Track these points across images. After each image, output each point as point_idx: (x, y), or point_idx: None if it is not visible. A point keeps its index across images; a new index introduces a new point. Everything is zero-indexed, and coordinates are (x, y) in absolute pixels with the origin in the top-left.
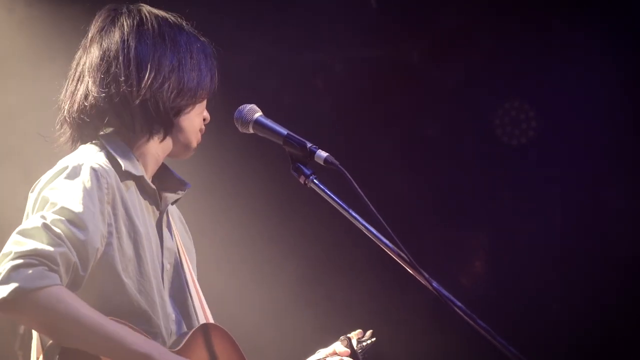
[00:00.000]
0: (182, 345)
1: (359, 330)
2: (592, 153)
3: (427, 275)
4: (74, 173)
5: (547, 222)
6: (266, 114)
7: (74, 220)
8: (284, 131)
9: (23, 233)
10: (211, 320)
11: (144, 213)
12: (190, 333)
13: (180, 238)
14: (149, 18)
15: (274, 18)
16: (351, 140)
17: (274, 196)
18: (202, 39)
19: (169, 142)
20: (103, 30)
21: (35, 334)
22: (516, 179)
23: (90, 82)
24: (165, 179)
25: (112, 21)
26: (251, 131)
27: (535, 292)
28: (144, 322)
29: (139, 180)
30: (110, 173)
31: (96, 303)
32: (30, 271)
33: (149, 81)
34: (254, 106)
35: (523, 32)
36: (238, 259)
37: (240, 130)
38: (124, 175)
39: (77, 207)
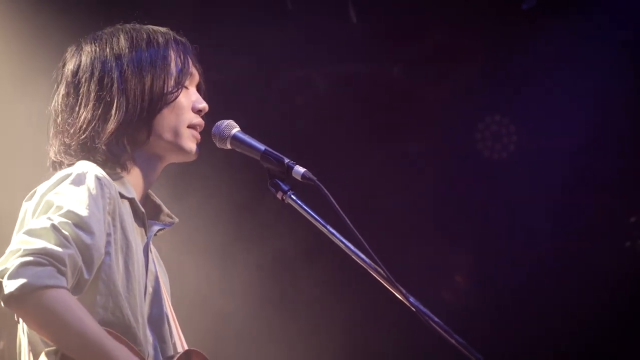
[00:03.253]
0: None
1: None
2: (574, 166)
3: (404, 291)
4: (79, 179)
5: (531, 236)
6: (248, 130)
7: (80, 224)
8: (262, 147)
9: (31, 233)
10: (187, 348)
11: (134, 233)
12: (177, 357)
13: (159, 269)
14: (108, 42)
15: (255, 35)
16: (334, 157)
17: (251, 212)
18: (162, 30)
19: (157, 150)
20: (65, 66)
21: (24, 337)
22: (500, 194)
23: (61, 122)
24: (154, 209)
25: (76, 52)
26: (229, 147)
27: (518, 307)
28: (131, 338)
29: (131, 202)
30: (112, 185)
31: (91, 311)
32: (39, 269)
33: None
34: (231, 122)
35: (505, 47)
36: (212, 277)
37: (217, 145)
38: (120, 195)
39: (84, 211)
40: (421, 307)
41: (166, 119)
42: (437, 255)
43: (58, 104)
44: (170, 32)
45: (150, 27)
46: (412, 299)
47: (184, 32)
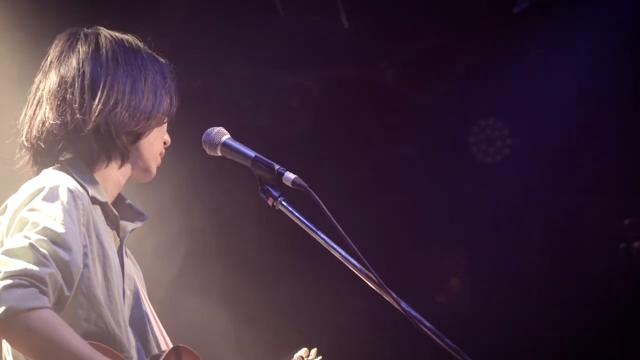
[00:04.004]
0: None
1: (304, 349)
2: (570, 168)
3: (395, 296)
4: (52, 194)
5: (526, 238)
6: (241, 135)
7: (57, 241)
8: (252, 153)
9: (9, 253)
10: (170, 346)
11: (108, 237)
12: (164, 356)
13: (135, 269)
14: (104, 43)
15: (248, 40)
16: (328, 161)
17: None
18: (162, 60)
19: (128, 167)
20: (62, 56)
21: (9, 355)
22: (494, 196)
23: (47, 109)
24: (124, 208)
25: (70, 47)
26: (219, 154)
27: (513, 309)
28: (116, 347)
29: (103, 206)
30: (84, 196)
31: (74, 325)
32: (21, 291)
33: (100, 106)
34: (221, 129)
35: (497, 50)
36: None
37: (208, 153)
38: (92, 200)
39: (59, 227)
40: (412, 311)
41: (145, 149)
42: (431, 258)
43: (53, 92)
44: (170, 71)
45: (147, 52)
46: (403, 304)
47: (177, 37)
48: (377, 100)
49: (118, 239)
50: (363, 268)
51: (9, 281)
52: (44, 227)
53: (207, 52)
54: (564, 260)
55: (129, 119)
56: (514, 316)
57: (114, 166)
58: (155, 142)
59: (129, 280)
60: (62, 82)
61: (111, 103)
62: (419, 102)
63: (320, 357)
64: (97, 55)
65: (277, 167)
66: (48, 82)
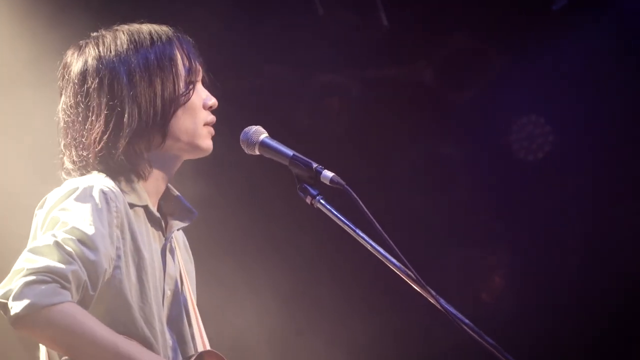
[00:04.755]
0: None
1: None
2: (611, 166)
3: (434, 293)
4: (84, 195)
5: (566, 238)
6: (280, 136)
7: (84, 241)
8: (290, 152)
9: (34, 251)
10: (208, 348)
11: (150, 239)
12: (193, 358)
13: (184, 263)
14: (90, 61)
15: (286, 39)
16: (366, 161)
17: (282, 217)
18: (163, 36)
19: (173, 152)
20: (62, 79)
21: (43, 350)
22: (534, 195)
23: (70, 131)
24: (174, 205)
25: (79, 56)
26: (257, 153)
27: (553, 310)
28: (148, 348)
29: (145, 209)
30: (119, 197)
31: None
32: (43, 287)
33: (102, 129)
34: (259, 128)
35: (538, 47)
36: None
37: (246, 152)
38: (130, 205)
39: (88, 228)
40: (452, 309)
41: (181, 121)
42: (471, 258)
43: (68, 114)
44: (171, 30)
45: (150, 26)
46: (442, 302)
47: (215, 37)
48: (416, 100)
49: (163, 238)
50: (402, 266)
51: (30, 277)
52: (73, 227)
53: (245, 52)
54: (605, 261)
55: (153, 102)
56: (554, 316)
57: (156, 156)
58: (188, 114)
59: (170, 280)
60: (68, 108)
61: (111, 127)
62: (458, 100)
63: None
64: (81, 83)
65: (315, 165)
66: (64, 98)
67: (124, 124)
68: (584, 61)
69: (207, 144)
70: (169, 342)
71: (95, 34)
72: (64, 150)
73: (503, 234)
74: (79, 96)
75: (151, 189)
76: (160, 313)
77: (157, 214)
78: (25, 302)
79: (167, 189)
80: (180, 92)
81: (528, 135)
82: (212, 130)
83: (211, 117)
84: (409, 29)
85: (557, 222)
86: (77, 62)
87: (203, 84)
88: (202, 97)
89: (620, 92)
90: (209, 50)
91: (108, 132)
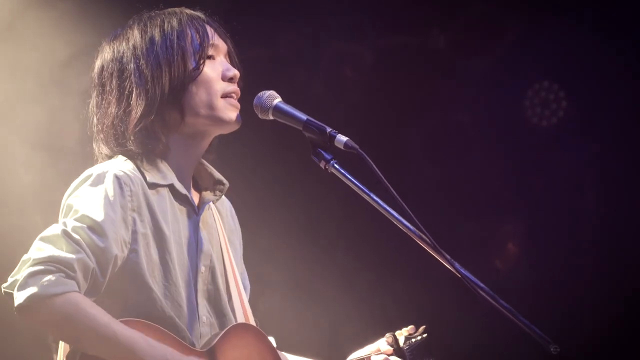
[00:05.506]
0: (213, 345)
1: (410, 327)
2: (627, 133)
3: (449, 257)
4: (97, 181)
5: (582, 206)
6: (295, 103)
7: (93, 227)
8: (304, 116)
9: (43, 239)
10: (251, 320)
11: (176, 218)
12: (222, 333)
13: (226, 234)
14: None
15: (300, 8)
16: (381, 129)
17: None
18: (177, 10)
19: (196, 128)
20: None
21: (61, 347)
22: (548, 163)
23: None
24: (207, 179)
25: (99, 54)
26: (271, 117)
27: (568, 279)
28: (170, 327)
29: (171, 187)
30: (135, 180)
31: (123, 309)
32: (47, 277)
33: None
34: (273, 92)
35: (553, 12)
36: (276, 254)
37: (259, 116)
38: (152, 185)
39: (98, 214)
40: (467, 273)
41: (196, 95)
42: (485, 226)
43: (92, 107)
44: (185, 11)
45: (166, 10)
46: (457, 266)
47: (228, 8)
48: (430, 67)
49: (194, 215)
50: (416, 230)
51: (36, 267)
52: (82, 215)
53: (259, 21)
54: (620, 227)
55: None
56: (570, 285)
57: (179, 135)
58: (202, 87)
59: (204, 256)
60: (93, 104)
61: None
62: (473, 68)
63: (425, 335)
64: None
65: (329, 129)
66: (92, 98)
67: (132, 104)
68: (604, 24)
69: (228, 115)
70: (203, 318)
71: (116, 30)
72: (93, 141)
73: (517, 203)
74: (97, 89)
75: (179, 167)
76: (190, 291)
77: (183, 191)
78: (29, 292)
79: (201, 165)
80: (190, 68)
81: (542, 102)
82: (234, 102)
83: (231, 88)
84: None
85: (572, 190)
86: (97, 60)
87: (231, 61)
88: (218, 70)
89: (638, 59)
90: (223, 19)
91: (120, 115)
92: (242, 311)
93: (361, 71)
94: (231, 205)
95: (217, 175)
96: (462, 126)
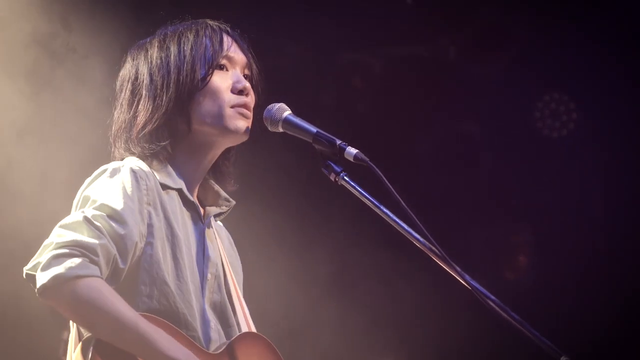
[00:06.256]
0: (222, 350)
1: None
2: (636, 142)
3: (459, 269)
4: (114, 173)
5: (591, 215)
6: (304, 115)
7: (113, 216)
8: (314, 129)
9: (64, 226)
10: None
11: (185, 221)
12: (231, 340)
13: (227, 257)
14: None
15: (309, 18)
16: (391, 139)
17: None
18: (198, 21)
19: (204, 137)
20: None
21: (73, 328)
22: (559, 172)
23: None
24: (213, 195)
25: (122, 67)
26: (280, 130)
27: (577, 287)
28: (181, 325)
29: (179, 192)
30: (150, 176)
31: (136, 302)
32: (71, 260)
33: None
34: (282, 105)
35: (563, 23)
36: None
37: (269, 129)
38: (163, 186)
39: (117, 203)
40: (477, 285)
41: (203, 105)
42: (495, 235)
43: (112, 116)
44: (208, 21)
45: (190, 21)
46: (467, 277)
47: (238, 18)
48: (440, 77)
49: (201, 224)
50: (427, 242)
51: (59, 250)
52: (101, 204)
53: (269, 31)
54: (630, 236)
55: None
56: (579, 293)
57: (186, 144)
58: (209, 97)
59: (210, 264)
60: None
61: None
62: (482, 77)
63: None
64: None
65: (338, 142)
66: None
67: (140, 110)
68: (613, 35)
69: (234, 124)
70: (211, 323)
71: (138, 42)
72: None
73: (527, 212)
74: (116, 99)
75: (186, 175)
76: (197, 293)
77: (192, 198)
78: (52, 273)
79: (206, 181)
80: (199, 77)
81: (552, 113)
82: (244, 112)
83: (240, 100)
84: (432, 6)
85: (583, 199)
86: (119, 72)
87: (251, 76)
88: (229, 81)
89: None
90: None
91: (128, 120)
92: (246, 325)
93: (370, 81)
94: (229, 234)
95: (224, 194)
96: (471, 136)
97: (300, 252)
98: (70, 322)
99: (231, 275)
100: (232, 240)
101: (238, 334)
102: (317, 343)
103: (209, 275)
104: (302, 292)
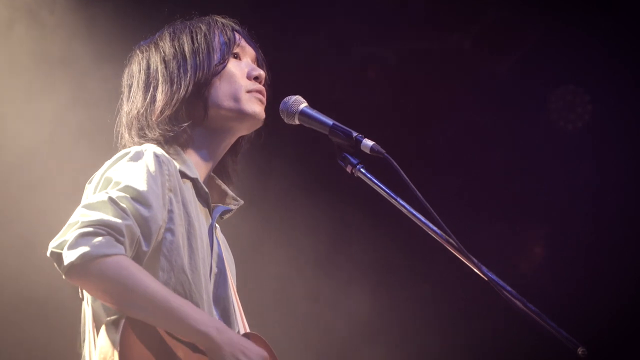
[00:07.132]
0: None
1: None
2: None
3: (476, 261)
4: (137, 156)
5: (605, 210)
6: (319, 107)
7: (138, 198)
8: (330, 121)
9: (89, 207)
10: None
11: (198, 213)
12: (242, 334)
13: (225, 251)
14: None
15: (324, 11)
16: (405, 132)
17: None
18: (206, 17)
19: (220, 122)
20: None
21: (89, 314)
22: (572, 167)
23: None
24: (219, 193)
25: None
26: (297, 122)
27: (592, 283)
28: None
29: (194, 182)
30: (171, 162)
31: None
32: (98, 239)
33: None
34: (299, 97)
35: (578, 14)
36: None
37: (285, 121)
38: (181, 174)
39: (141, 185)
40: (494, 277)
41: (220, 89)
42: (507, 229)
43: (118, 106)
44: (215, 17)
45: (195, 17)
46: (484, 269)
47: (251, 13)
48: (454, 70)
49: (210, 218)
50: (443, 234)
51: (86, 229)
52: (126, 185)
53: (283, 25)
54: None
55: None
56: (593, 287)
57: (202, 133)
58: (226, 81)
59: (216, 257)
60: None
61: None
62: (496, 70)
63: None
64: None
65: (355, 134)
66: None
67: (157, 96)
68: (628, 26)
69: (252, 107)
70: (215, 316)
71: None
72: (121, 133)
73: (540, 207)
74: (126, 88)
75: (200, 165)
76: (207, 285)
77: (206, 189)
78: (80, 251)
79: (213, 180)
80: (215, 62)
81: (566, 105)
82: (260, 96)
83: (255, 87)
84: (445, 0)
85: (597, 193)
86: (126, 68)
87: (259, 66)
88: (243, 69)
89: None
90: (246, 23)
91: (145, 105)
92: (242, 323)
93: (385, 74)
94: (223, 237)
95: (231, 193)
96: (485, 129)
97: (296, 248)
98: (85, 303)
99: (229, 273)
100: (226, 243)
101: (239, 331)
102: (318, 343)
103: (216, 269)
104: (301, 291)
